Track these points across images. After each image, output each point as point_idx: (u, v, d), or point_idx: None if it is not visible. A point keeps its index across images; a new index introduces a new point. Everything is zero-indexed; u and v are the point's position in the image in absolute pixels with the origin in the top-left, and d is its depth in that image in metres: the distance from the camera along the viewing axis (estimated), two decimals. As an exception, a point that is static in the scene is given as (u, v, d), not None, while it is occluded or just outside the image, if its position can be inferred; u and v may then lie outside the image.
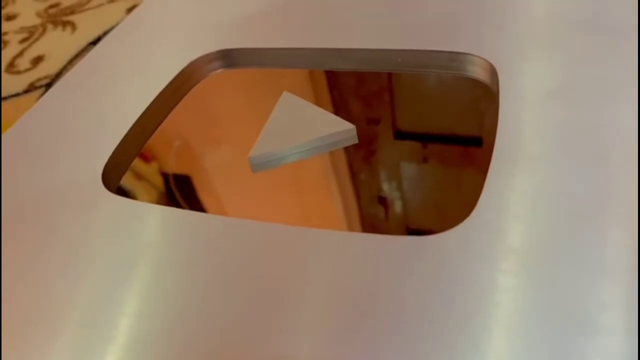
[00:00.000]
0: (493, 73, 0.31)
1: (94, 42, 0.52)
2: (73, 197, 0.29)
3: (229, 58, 0.39)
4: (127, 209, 0.28)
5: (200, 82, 0.39)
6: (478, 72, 0.32)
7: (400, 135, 0.34)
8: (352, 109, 0.37)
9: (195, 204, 0.33)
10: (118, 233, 0.27)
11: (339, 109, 0.37)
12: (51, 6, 0.62)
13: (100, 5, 0.59)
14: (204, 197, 0.33)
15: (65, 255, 0.26)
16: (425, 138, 0.34)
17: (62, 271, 0.25)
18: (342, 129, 0.30)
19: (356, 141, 0.31)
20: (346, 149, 0.31)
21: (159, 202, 0.33)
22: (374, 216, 0.30)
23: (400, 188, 0.31)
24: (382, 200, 0.30)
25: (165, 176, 0.36)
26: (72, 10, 0.59)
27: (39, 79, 0.46)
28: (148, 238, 0.26)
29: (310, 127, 0.31)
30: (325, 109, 0.34)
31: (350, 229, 0.29)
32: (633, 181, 0.23)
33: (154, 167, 0.37)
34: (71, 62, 0.50)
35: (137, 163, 0.35)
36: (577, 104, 0.27)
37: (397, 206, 0.30)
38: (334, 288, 0.22)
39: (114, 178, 0.32)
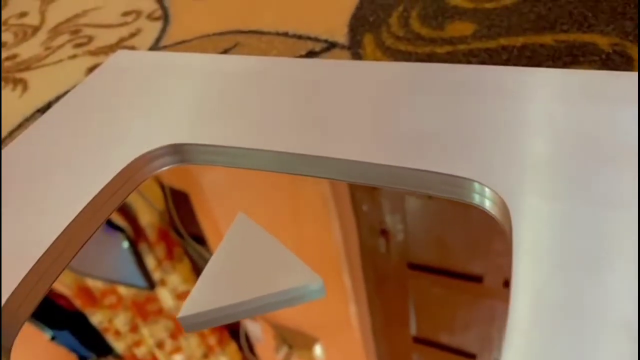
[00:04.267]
0: (504, 210, 0.24)
1: (43, 109, 0.45)
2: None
3: (181, 154, 0.32)
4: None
5: (145, 181, 0.32)
6: (486, 204, 0.25)
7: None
8: (321, 222, 0.30)
9: None
10: None
11: (300, 216, 0.30)
12: (7, 58, 0.56)
13: (59, 61, 0.52)
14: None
15: None
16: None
17: None
18: (306, 282, 0.23)
19: (324, 295, 0.24)
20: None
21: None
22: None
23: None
24: None
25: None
26: (27, 66, 0.53)
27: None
28: None
29: (265, 276, 0.23)
30: (287, 217, 0.27)
31: None
32: None
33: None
34: (11, 134, 0.43)
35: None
36: (605, 276, 0.20)
37: None
38: None
39: (8, 334, 0.24)
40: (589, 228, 0.22)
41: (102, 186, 0.30)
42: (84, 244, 0.29)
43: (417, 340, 0.24)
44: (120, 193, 0.31)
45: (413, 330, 0.25)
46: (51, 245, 0.27)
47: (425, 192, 0.27)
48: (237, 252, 0.25)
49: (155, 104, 0.36)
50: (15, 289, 0.25)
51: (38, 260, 0.26)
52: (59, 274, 0.27)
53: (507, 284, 0.25)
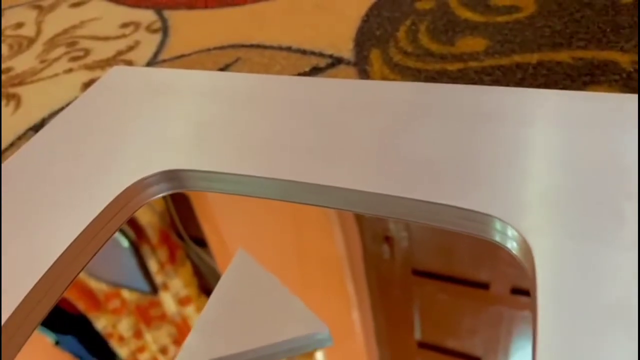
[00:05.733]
0: (527, 250, 0.22)
1: (36, 127, 0.43)
2: None
3: (177, 180, 0.31)
4: None
5: (139, 210, 0.30)
6: (507, 243, 0.23)
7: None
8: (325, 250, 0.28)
9: None
10: None
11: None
12: (2, 72, 0.54)
13: (55, 75, 0.51)
14: None
15: None
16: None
17: None
18: (312, 331, 0.21)
19: (331, 344, 0.22)
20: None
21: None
22: None
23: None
24: None
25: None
26: (21, 80, 0.51)
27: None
28: None
29: (266, 323, 0.21)
30: (286, 246, 0.25)
31: None
32: None
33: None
34: (3, 153, 0.41)
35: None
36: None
37: None
38: None
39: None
40: (619, 271, 0.20)
41: (94, 216, 0.28)
42: (75, 277, 0.27)
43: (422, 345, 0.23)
44: (113, 222, 0.29)
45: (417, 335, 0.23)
46: (41, 278, 0.25)
47: (440, 226, 0.25)
48: (235, 296, 0.23)
49: (151, 125, 0.34)
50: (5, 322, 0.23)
51: (28, 292, 0.25)
52: (52, 306, 0.25)
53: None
